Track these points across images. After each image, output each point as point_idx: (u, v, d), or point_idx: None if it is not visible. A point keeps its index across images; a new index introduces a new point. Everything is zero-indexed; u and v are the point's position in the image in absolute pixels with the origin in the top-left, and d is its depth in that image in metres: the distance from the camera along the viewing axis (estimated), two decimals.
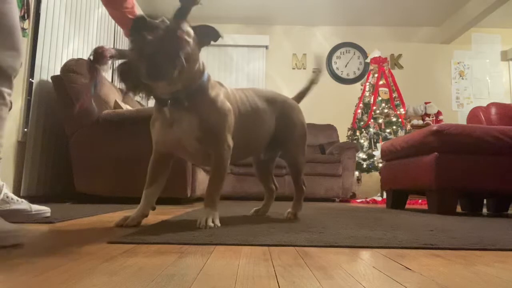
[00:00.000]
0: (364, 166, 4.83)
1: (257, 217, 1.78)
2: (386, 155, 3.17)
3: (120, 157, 2.82)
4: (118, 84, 1.25)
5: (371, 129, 4.90)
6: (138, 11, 1.42)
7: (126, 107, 3.19)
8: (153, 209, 1.42)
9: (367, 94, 5.12)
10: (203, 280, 0.62)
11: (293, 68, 5.94)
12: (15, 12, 1.10)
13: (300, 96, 1.92)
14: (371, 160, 4.79)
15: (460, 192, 2.53)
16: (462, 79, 5.99)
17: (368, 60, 5.40)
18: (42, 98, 2.96)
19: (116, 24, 4.42)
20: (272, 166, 1.88)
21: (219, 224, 1.31)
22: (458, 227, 1.51)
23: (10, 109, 1.27)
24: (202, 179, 3.33)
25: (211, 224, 1.28)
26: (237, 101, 1.48)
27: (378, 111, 4.96)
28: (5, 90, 1.15)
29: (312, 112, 5.60)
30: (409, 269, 0.74)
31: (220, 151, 1.34)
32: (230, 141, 1.37)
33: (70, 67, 2.83)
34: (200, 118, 1.29)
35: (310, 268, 0.73)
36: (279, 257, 0.83)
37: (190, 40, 1.28)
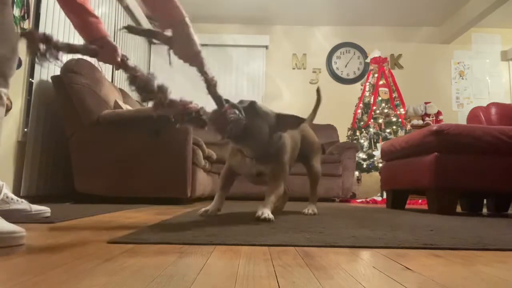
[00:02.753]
0: (364, 166, 4.83)
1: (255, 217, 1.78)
2: (386, 155, 3.17)
3: (120, 157, 2.82)
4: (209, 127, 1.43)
5: (371, 129, 4.90)
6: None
7: (126, 107, 3.19)
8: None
9: (367, 94, 5.12)
10: (203, 280, 0.62)
11: (293, 68, 5.94)
12: (10, 12, 1.10)
13: (310, 120, 2.34)
14: (371, 160, 4.79)
15: (460, 192, 2.53)
16: (462, 79, 5.99)
17: (368, 60, 5.40)
18: (42, 98, 2.96)
19: (116, 24, 4.43)
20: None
21: (272, 218, 1.52)
22: (458, 227, 1.51)
23: (10, 109, 1.27)
24: (202, 179, 3.34)
25: (266, 216, 1.50)
26: (291, 140, 1.84)
27: (378, 111, 4.96)
28: (2, 90, 1.15)
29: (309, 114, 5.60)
30: (409, 269, 0.74)
31: (279, 180, 1.71)
32: (287, 168, 1.77)
33: (70, 67, 2.83)
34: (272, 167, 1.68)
35: (310, 268, 0.73)
36: (279, 257, 0.83)
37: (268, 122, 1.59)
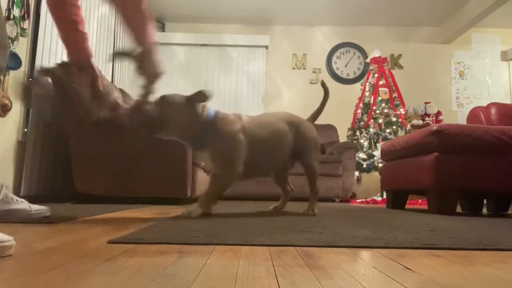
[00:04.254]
0: (364, 166, 4.83)
1: (257, 216, 1.79)
2: (386, 155, 3.17)
3: (120, 157, 2.82)
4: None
5: (371, 129, 4.90)
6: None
7: (126, 107, 3.18)
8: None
9: (367, 94, 5.12)
10: (203, 280, 0.62)
11: (293, 68, 5.94)
12: (1, 10, 1.10)
13: (316, 116, 2.32)
14: (371, 160, 4.79)
15: (460, 192, 2.53)
16: (462, 79, 5.99)
17: (368, 60, 5.40)
18: (42, 98, 2.96)
19: (116, 25, 4.43)
20: (287, 173, 2.26)
21: (197, 216, 1.69)
22: (458, 227, 1.51)
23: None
24: (202, 179, 3.33)
25: (193, 215, 1.68)
26: (256, 128, 1.84)
27: (378, 111, 4.96)
28: None
29: (312, 112, 5.59)
30: (409, 269, 0.74)
31: (224, 174, 1.76)
32: (239, 166, 1.75)
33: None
34: (214, 150, 1.73)
35: (310, 268, 0.73)
36: (279, 257, 0.83)
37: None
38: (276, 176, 2.23)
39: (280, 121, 1.96)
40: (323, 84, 2.28)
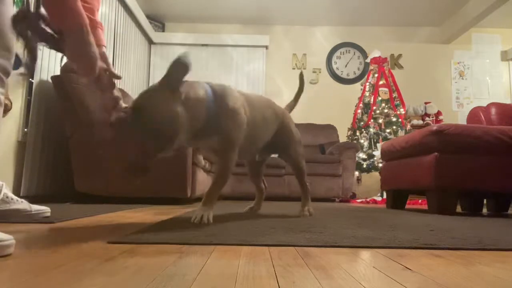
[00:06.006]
0: (364, 166, 4.83)
1: (257, 216, 1.78)
2: (386, 155, 3.17)
3: (120, 157, 2.82)
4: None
5: (371, 129, 4.90)
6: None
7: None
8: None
9: (367, 94, 5.12)
10: (203, 280, 0.62)
11: (293, 68, 5.94)
12: (9, 12, 1.10)
13: (291, 109, 2.10)
14: (371, 160, 4.79)
15: (460, 192, 2.53)
16: (462, 79, 5.99)
17: (368, 60, 5.40)
18: (42, 98, 2.96)
19: (116, 24, 4.42)
20: (263, 168, 2.07)
21: (211, 221, 1.40)
22: (458, 227, 1.51)
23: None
24: (202, 179, 3.33)
25: (205, 220, 1.36)
26: (250, 107, 1.59)
27: (378, 111, 4.96)
28: None
29: (312, 112, 5.60)
30: (409, 269, 0.74)
31: (226, 160, 1.46)
32: (237, 151, 1.49)
33: (70, 67, 2.83)
34: (218, 136, 1.42)
35: (310, 268, 0.73)
36: (279, 257, 0.83)
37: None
38: (250, 171, 2.03)
39: (266, 104, 1.76)
40: (301, 77, 2.12)
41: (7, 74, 1.13)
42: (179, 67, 1.23)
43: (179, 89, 1.26)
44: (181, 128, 1.26)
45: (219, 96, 1.39)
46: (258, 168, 2.03)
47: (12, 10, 1.06)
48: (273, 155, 2.03)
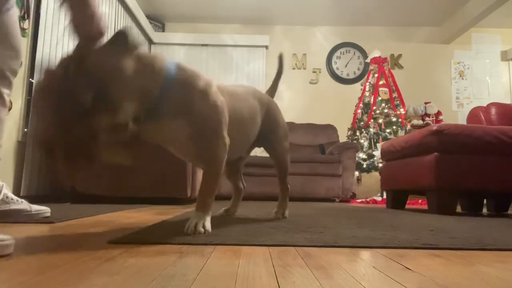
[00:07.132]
0: (364, 166, 4.83)
1: (257, 216, 1.78)
2: (386, 155, 3.17)
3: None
4: None
5: (371, 129, 4.90)
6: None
7: None
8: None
9: (367, 94, 5.12)
10: (203, 280, 0.62)
11: (293, 68, 5.94)
12: (15, 14, 1.10)
13: (272, 94, 1.84)
14: (371, 160, 4.79)
15: (460, 192, 2.53)
16: (462, 79, 5.99)
17: (368, 60, 5.40)
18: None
19: (116, 24, 4.42)
20: (242, 164, 1.83)
21: (209, 229, 1.17)
22: (458, 227, 1.51)
23: (10, 109, 1.26)
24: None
25: (201, 229, 1.14)
26: (230, 96, 1.38)
27: (378, 111, 4.96)
28: (4, 90, 1.15)
29: (312, 112, 5.60)
30: (409, 269, 0.74)
31: (214, 149, 1.22)
32: (227, 138, 1.26)
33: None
34: (188, 116, 1.15)
35: (310, 268, 0.73)
36: (279, 257, 0.83)
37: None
38: (228, 167, 1.78)
39: (250, 95, 1.54)
40: (280, 59, 1.84)
41: (14, 73, 1.13)
42: (120, 34, 1.03)
43: (129, 50, 1.05)
44: (128, 88, 1.04)
45: (189, 76, 1.18)
46: (237, 165, 1.79)
47: (17, 12, 1.06)
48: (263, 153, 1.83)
